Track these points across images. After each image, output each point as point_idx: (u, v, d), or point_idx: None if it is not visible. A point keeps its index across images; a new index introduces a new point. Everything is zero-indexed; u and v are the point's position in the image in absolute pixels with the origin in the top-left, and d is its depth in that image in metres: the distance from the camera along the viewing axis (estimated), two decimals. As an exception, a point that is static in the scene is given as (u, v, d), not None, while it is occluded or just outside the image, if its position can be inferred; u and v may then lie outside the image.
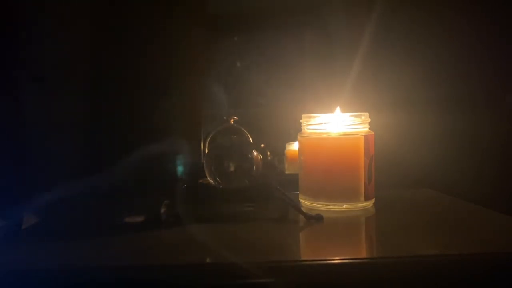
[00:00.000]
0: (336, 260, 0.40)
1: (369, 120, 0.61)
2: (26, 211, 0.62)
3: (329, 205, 0.59)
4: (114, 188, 0.76)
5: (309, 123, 0.62)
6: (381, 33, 0.78)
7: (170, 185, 0.68)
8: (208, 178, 0.60)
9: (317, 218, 0.54)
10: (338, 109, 0.62)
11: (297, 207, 0.56)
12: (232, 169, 0.58)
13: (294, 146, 0.76)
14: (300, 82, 0.80)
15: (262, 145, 0.74)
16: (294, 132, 0.65)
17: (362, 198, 0.59)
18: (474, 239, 0.47)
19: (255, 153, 0.59)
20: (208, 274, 0.40)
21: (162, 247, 0.47)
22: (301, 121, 0.63)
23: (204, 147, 0.75)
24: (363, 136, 0.59)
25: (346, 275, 0.40)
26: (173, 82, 0.78)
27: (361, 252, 0.47)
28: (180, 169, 0.77)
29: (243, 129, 0.70)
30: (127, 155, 0.77)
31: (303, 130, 0.63)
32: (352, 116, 0.61)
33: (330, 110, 0.62)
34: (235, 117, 0.71)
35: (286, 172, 0.78)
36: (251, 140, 0.68)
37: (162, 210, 0.55)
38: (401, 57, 0.78)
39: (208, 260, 0.44)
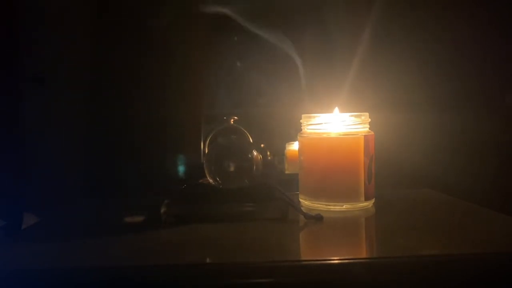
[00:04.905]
0: (336, 260, 0.40)
1: (369, 120, 0.61)
2: (26, 211, 0.62)
3: (329, 205, 0.59)
4: (115, 188, 0.76)
5: (309, 123, 0.62)
6: (380, 33, 0.78)
7: (170, 185, 0.68)
8: (208, 178, 0.59)
9: (317, 218, 0.54)
10: (336, 109, 0.62)
11: (297, 207, 0.56)
12: (232, 169, 0.58)
13: (294, 146, 0.76)
14: (300, 82, 0.80)
15: (262, 145, 0.74)
16: (294, 132, 0.65)
17: (362, 198, 0.59)
18: (474, 239, 0.47)
19: (255, 153, 0.59)
20: (208, 274, 0.40)
21: (162, 247, 0.47)
22: (301, 121, 0.63)
23: (204, 147, 0.75)
24: (363, 136, 0.59)
25: (346, 275, 0.40)
26: (173, 82, 0.78)
27: (361, 252, 0.47)
28: (180, 169, 0.77)
29: (243, 129, 0.70)
30: (127, 155, 0.77)
31: (303, 130, 0.63)
32: (352, 116, 0.61)
33: (330, 110, 0.62)
34: (235, 117, 0.71)
35: (286, 172, 0.78)
36: (251, 140, 0.68)
37: (162, 210, 0.55)
38: (401, 57, 0.78)
39: (208, 260, 0.44)
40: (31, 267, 0.42)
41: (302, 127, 0.63)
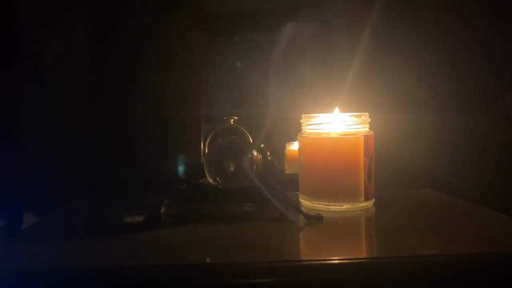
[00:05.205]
0: (336, 260, 0.40)
1: (369, 120, 0.61)
2: (26, 211, 0.62)
3: (329, 205, 0.59)
4: (115, 188, 0.76)
5: (309, 123, 0.62)
6: (380, 33, 0.78)
7: (170, 185, 0.68)
8: (208, 178, 0.59)
9: (317, 218, 0.54)
10: (336, 109, 0.62)
11: (297, 207, 0.56)
12: (232, 169, 0.58)
13: (294, 146, 0.76)
14: (300, 82, 0.80)
15: (262, 145, 0.74)
16: (294, 132, 0.65)
17: (362, 198, 0.59)
18: (474, 239, 0.47)
19: (255, 153, 0.59)
20: (208, 274, 0.40)
21: (162, 247, 0.47)
22: (301, 121, 0.63)
23: (204, 147, 0.75)
24: (363, 136, 0.59)
25: (346, 275, 0.40)
26: (173, 83, 0.78)
27: (361, 252, 0.47)
28: (180, 169, 0.77)
29: (243, 129, 0.70)
30: (127, 155, 0.77)
31: (303, 130, 0.63)
32: (352, 116, 0.61)
33: (330, 110, 0.62)
34: (235, 117, 0.71)
35: (286, 172, 0.78)
36: (251, 140, 0.68)
37: (162, 210, 0.55)
38: (401, 58, 0.78)
39: (208, 260, 0.44)
40: (31, 267, 0.42)
41: (302, 127, 0.63)
